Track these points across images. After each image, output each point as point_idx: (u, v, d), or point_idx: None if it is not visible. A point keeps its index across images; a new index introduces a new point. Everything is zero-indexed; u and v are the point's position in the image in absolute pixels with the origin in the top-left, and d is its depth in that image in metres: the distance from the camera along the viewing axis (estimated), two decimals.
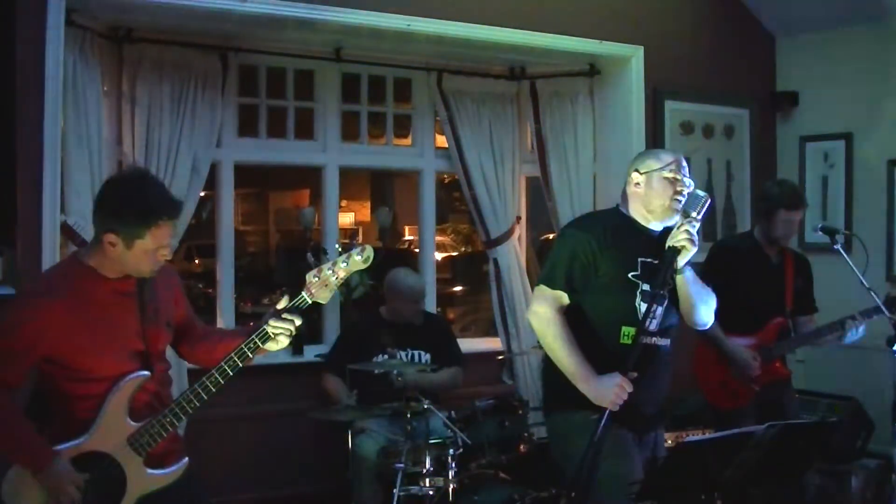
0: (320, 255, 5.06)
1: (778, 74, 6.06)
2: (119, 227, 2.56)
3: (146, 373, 2.65)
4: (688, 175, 3.15)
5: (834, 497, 4.81)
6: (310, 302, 2.69)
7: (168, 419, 2.64)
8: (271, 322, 2.67)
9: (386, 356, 4.52)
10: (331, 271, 2.68)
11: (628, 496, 2.92)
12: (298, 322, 2.69)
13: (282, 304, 2.70)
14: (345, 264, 2.68)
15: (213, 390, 2.67)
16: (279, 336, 2.69)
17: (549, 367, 3.18)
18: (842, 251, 4.06)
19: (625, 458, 3.04)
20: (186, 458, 2.76)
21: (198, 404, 2.66)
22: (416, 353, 4.71)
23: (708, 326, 3.30)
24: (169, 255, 2.68)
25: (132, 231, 2.55)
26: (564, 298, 3.10)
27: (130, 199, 2.59)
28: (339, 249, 2.67)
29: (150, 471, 2.66)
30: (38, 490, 2.57)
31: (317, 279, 2.68)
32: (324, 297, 2.70)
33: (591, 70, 5.58)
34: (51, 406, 2.66)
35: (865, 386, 5.12)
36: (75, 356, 2.58)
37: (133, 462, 2.63)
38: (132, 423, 2.63)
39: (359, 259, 2.68)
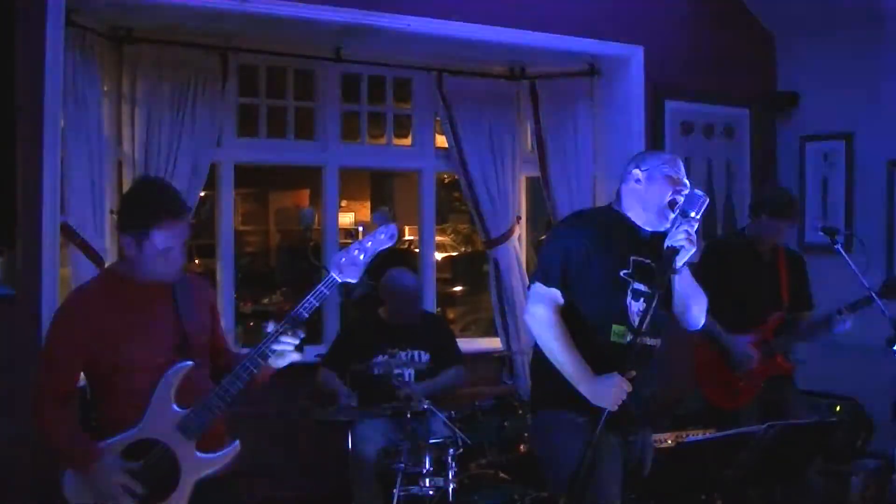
0: (319, 255, 5.06)
1: (778, 74, 6.05)
2: (129, 230, 2.71)
3: (190, 362, 2.75)
4: (686, 177, 3.16)
5: (834, 497, 4.81)
6: (339, 281, 2.78)
7: (214, 402, 2.74)
8: (272, 346, 2.75)
9: (385, 357, 4.52)
10: (357, 250, 2.79)
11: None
12: (302, 335, 2.78)
13: (270, 329, 2.77)
14: (370, 243, 2.80)
15: (255, 371, 2.76)
16: (285, 352, 2.79)
17: (539, 365, 3.18)
18: (842, 251, 4.06)
19: (607, 465, 3.01)
20: (237, 442, 2.84)
21: (241, 385, 2.75)
22: (415, 353, 4.71)
23: (699, 327, 3.28)
24: (182, 258, 2.78)
25: (140, 232, 2.69)
26: (560, 297, 3.08)
27: (135, 202, 2.79)
28: (362, 231, 2.84)
29: (201, 455, 2.75)
30: (93, 490, 2.67)
31: (344, 259, 2.78)
32: (353, 275, 2.79)
33: (591, 70, 5.58)
34: (101, 404, 2.77)
35: (865, 386, 5.12)
36: (116, 352, 2.70)
37: (185, 447, 2.72)
38: (179, 409, 2.72)
39: (384, 237, 2.80)
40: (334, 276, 2.77)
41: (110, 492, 2.63)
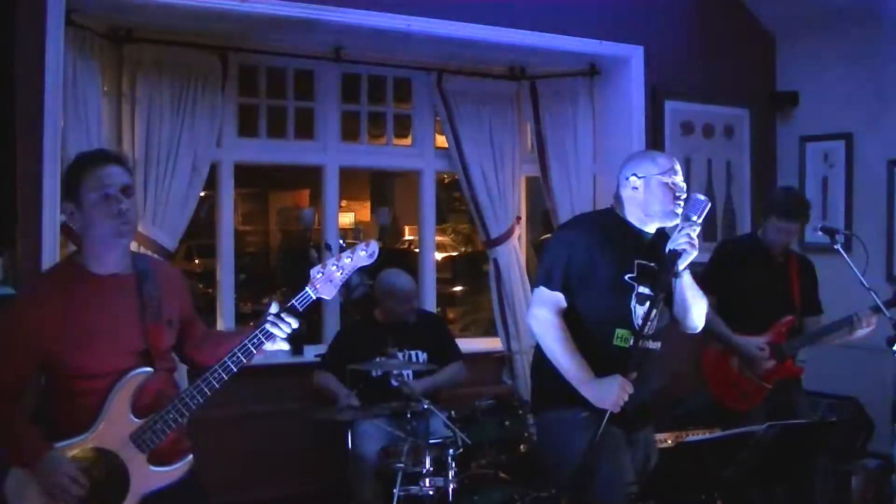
0: (322, 252, 5.06)
1: (778, 74, 6.06)
2: (66, 195, 2.65)
3: (149, 369, 2.65)
4: (683, 180, 3.17)
5: (834, 497, 4.81)
6: (314, 297, 2.68)
7: (171, 415, 2.64)
8: (268, 324, 2.67)
9: (382, 358, 4.52)
10: (335, 266, 2.68)
11: (624, 495, 2.94)
12: (295, 325, 2.69)
13: (274, 309, 2.69)
14: (349, 259, 2.69)
15: (217, 386, 2.66)
16: (277, 338, 2.69)
17: (540, 365, 3.19)
18: (842, 251, 4.06)
19: (617, 456, 3.05)
20: (191, 456, 2.75)
21: (201, 400, 2.65)
22: (412, 353, 4.71)
23: (698, 330, 3.30)
24: (122, 204, 2.62)
25: (72, 189, 2.62)
26: (562, 300, 3.10)
27: (67, 168, 2.74)
28: (344, 246, 2.70)
29: (153, 468, 2.65)
30: (39, 489, 2.56)
31: (321, 275, 2.68)
32: (328, 292, 2.70)
33: (591, 70, 5.58)
34: (55, 404, 2.66)
35: (865, 386, 5.12)
36: (72, 353, 2.59)
37: (136, 459, 2.62)
38: (135, 419, 2.63)
39: (364, 254, 2.70)
40: (309, 292, 2.68)
41: (57, 487, 2.52)
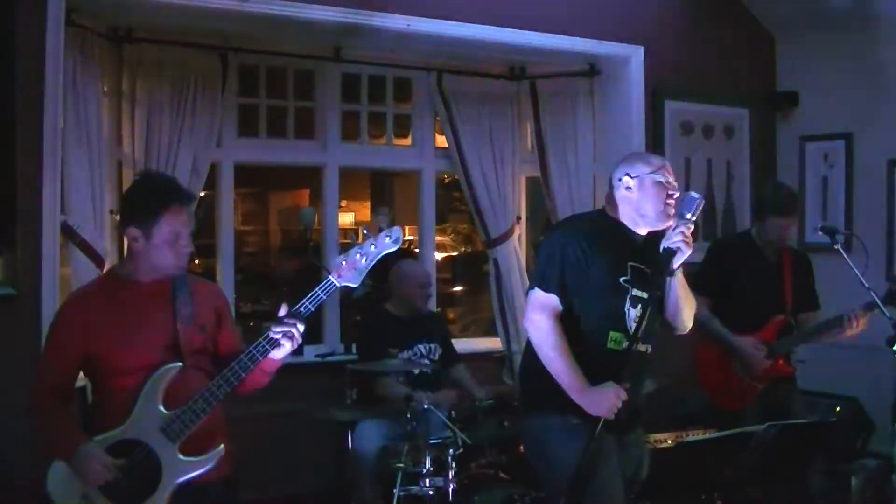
0: (319, 255, 5.07)
1: (778, 74, 6.06)
2: (136, 220, 2.70)
3: (178, 364, 2.71)
4: (674, 179, 3.16)
5: (834, 497, 4.81)
6: (338, 286, 2.71)
7: (199, 405, 2.69)
8: (272, 328, 2.70)
9: (403, 351, 4.51)
10: (359, 254, 2.70)
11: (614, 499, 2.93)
12: (301, 327, 2.71)
13: (282, 312, 2.73)
14: (374, 247, 2.71)
15: (243, 375, 2.72)
16: (282, 340, 2.71)
17: (529, 369, 3.17)
18: (842, 251, 4.05)
19: (608, 465, 3.02)
20: (222, 446, 2.79)
21: (228, 389, 2.71)
22: (430, 345, 4.70)
23: (687, 331, 3.28)
24: (190, 247, 2.75)
25: (148, 220, 2.68)
26: (558, 303, 3.07)
27: (141, 192, 2.80)
28: (364, 233, 2.68)
29: (183, 457, 2.70)
30: (78, 481, 2.63)
31: (345, 263, 2.70)
32: (353, 280, 2.71)
33: (591, 70, 5.58)
34: (98, 402, 2.78)
35: (865, 386, 5.12)
36: (107, 350, 2.69)
37: (167, 449, 2.68)
38: (165, 411, 2.69)
39: (389, 240, 2.72)
40: (333, 280, 2.70)
41: (91, 475, 2.59)
